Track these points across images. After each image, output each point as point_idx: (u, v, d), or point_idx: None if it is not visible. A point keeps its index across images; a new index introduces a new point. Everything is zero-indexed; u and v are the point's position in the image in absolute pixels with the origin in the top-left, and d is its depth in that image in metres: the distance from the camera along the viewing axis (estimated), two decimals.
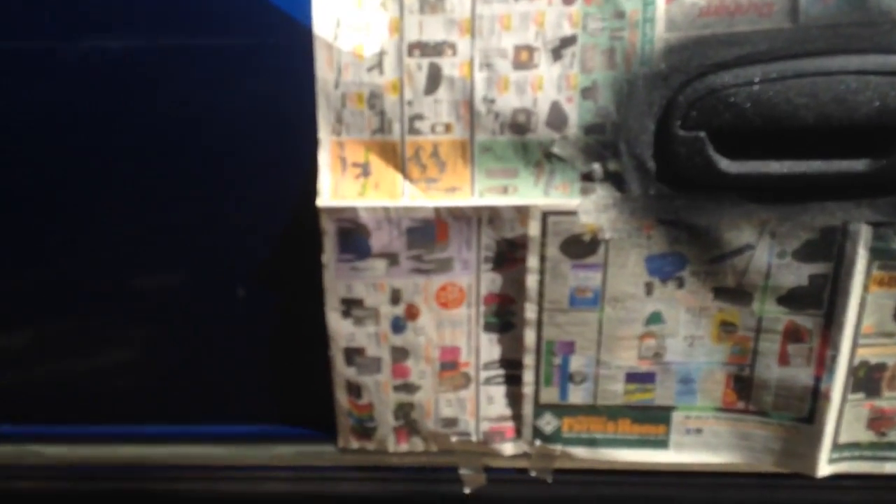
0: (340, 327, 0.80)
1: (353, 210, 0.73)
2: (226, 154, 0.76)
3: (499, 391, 0.83)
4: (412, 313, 0.79)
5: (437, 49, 0.69)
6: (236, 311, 0.82)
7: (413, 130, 0.71)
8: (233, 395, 0.87)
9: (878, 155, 0.67)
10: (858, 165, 0.67)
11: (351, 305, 0.79)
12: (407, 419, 0.85)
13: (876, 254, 0.70)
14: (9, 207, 0.79)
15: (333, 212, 0.73)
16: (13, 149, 0.76)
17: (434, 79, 0.70)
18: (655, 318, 0.78)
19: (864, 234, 0.70)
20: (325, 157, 0.73)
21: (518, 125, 0.70)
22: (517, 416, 0.84)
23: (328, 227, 0.74)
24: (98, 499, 0.94)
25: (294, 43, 0.70)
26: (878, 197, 0.69)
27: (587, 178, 0.72)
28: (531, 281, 0.76)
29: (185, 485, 0.92)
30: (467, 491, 0.88)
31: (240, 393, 0.87)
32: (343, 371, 0.82)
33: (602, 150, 0.70)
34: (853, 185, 0.68)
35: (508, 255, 0.76)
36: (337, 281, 0.77)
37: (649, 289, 0.76)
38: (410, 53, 0.69)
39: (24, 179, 0.77)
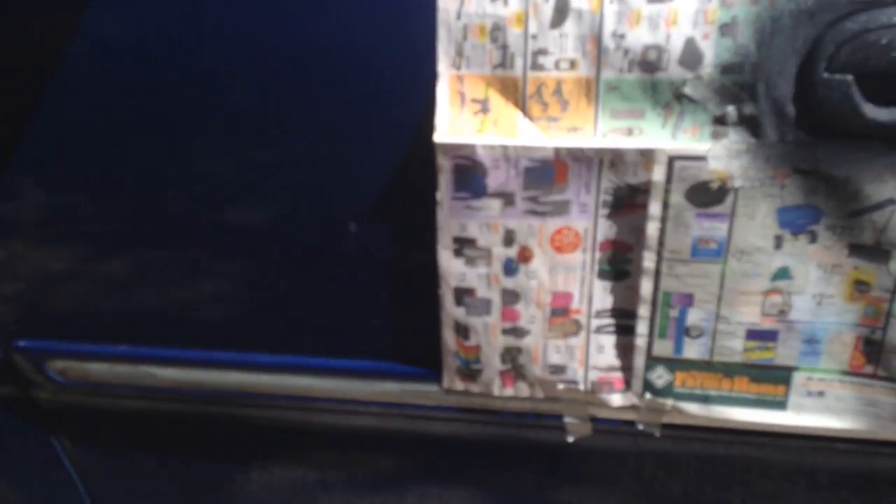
0: (451, 266, 0.85)
1: (471, 147, 0.77)
2: (343, 87, 0.80)
3: (610, 341, 0.87)
4: (525, 256, 0.83)
5: None
6: (349, 245, 0.87)
7: (536, 66, 0.74)
8: (341, 328, 0.94)
9: None
10: None
11: (463, 244, 0.83)
12: (514, 363, 0.89)
13: None
14: (125, 137, 0.88)
15: (450, 148, 0.77)
16: (125, 80, 0.85)
17: (561, 11, 0.72)
18: (783, 273, 0.78)
19: None
20: (443, 92, 0.76)
21: (648, 63, 0.72)
22: (627, 368, 0.87)
23: (444, 164, 0.78)
24: (206, 421, 1.04)
25: None
26: None
27: (720, 121, 0.73)
28: (652, 228, 0.78)
29: (289, 414, 1.00)
30: (571, 440, 0.92)
31: (348, 327, 0.93)
32: (452, 311, 0.87)
33: (738, 91, 0.71)
34: None
35: (629, 201, 0.79)
36: (450, 219, 0.81)
37: (779, 242, 0.77)
38: None
39: (139, 114, 0.86)
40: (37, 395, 1.04)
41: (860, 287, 0.77)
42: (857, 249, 0.75)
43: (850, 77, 0.67)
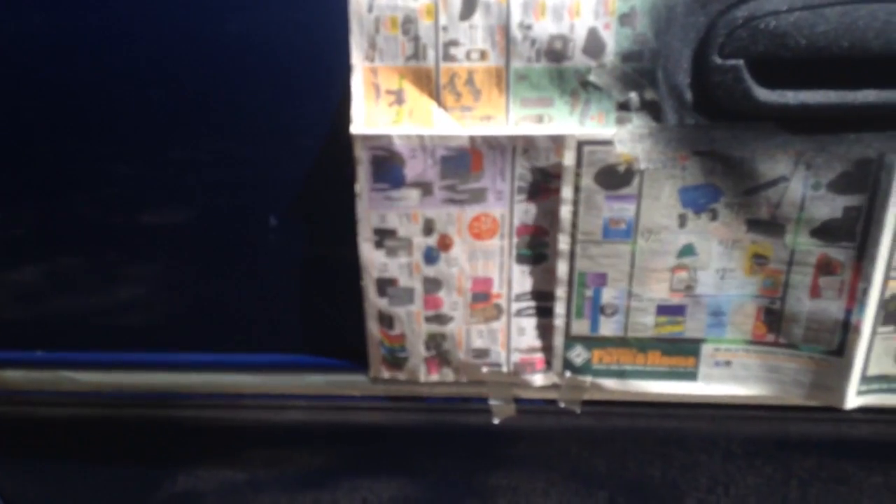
0: (373, 258, 0.86)
1: (388, 138, 0.79)
2: (257, 81, 0.81)
3: (530, 323, 0.90)
4: (445, 244, 0.86)
5: None
6: (269, 240, 0.88)
7: (448, 57, 0.77)
8: (264, 324, 0.94)
9: None
10: None
11: (384, 236, 0.85)
12: (438, 350, 0.92)
13: None
14: (32, 138, 0.86)
15: (367, 139, 0.79)
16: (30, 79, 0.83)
17: (470, 3, 0.74)
18: (688, 250, 0.84)
19: None
20: (358, 84, 0.78)
21: (554, 52, 0.75)
22: (548, 348, 0.91)
23: (362, 156, 0.80)
24: (129, 425, 1.03)
25: None
26: None
27: (623, 107, 0.77)
28: (565, 212, 0.82)
29: (215, 412, 1.00)
30: (496, 421, 0.96)
31: (271, 322, 0.94)
32: (375, 301, 0.89)
33: (639, 78, 0.75)
34: (890, 116, 0.73)
35: (542, 186, 0.82)
36: (370, 211, 0.83)
37: (683, 221, 0.82)
38: None
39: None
40: None
41: (759, 260, 0.83)
42: (754, 225, 0.81)
43: (741, 62, 0.73)
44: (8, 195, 0.89)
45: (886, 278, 0.80)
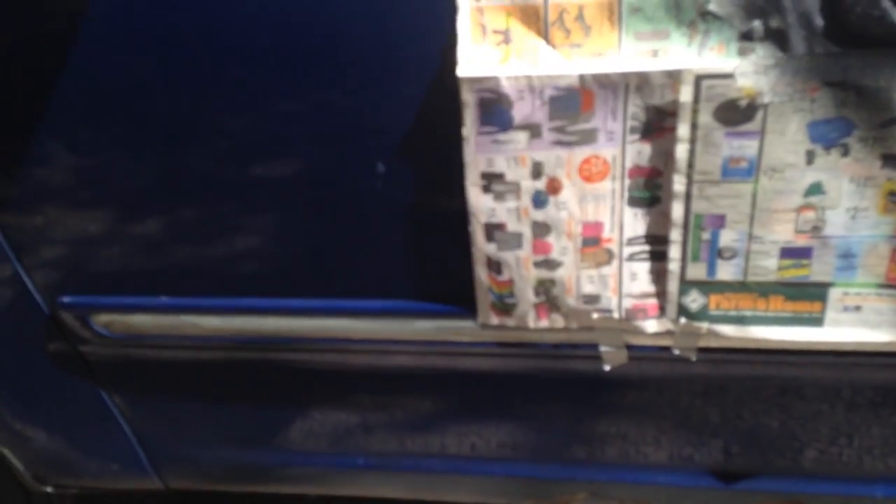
0: (481, 202, 0.88)
1: (495, 79, 0.79)
2: (362, 27, 0.83)
3: (643, 267, 0.90)
4: (554, 187, 0.86)
5: None
6: (378, 187, 0.91)
7: None
8: (374, 270, 0.98)
9: None
10: None
11: (491, 180, 0.86)
12: (548, 295, 0.93)
13: None
14: (151, 95, 0.92)
15: (474, 82, 0.80)
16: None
17: None
18: (816, 188, 0.81)
19: None
20: (464, 25, 0.78)
21: None
22: (661, 293, 0.90)
23: (468, 98, 0.81)
24: (247, 367, 1.10)
25: None
26: None
27: (746, 37, 0.74)
28: (681, 151, 0.81)
29: (327, 356, 1.05)
30: (607, 368, 0.97)
31: (381, 269, 0.98)
32: (483, 247, 0.91)
33: (764, 5, 0.72)
34: None
35: (656, 125, 0.81)
36: (477, 155, 0.84)
37: (810, 157, 0.79)
38: None
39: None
40: (84, 350, 1.10)
41: (894, 198, 0.79)
42: (889, 160, 0.77)
43: None
44: (125, 151, 0.95)
45: None
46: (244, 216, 0.97)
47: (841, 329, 0.87)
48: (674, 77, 0.77)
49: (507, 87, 0.80)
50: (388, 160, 0.90)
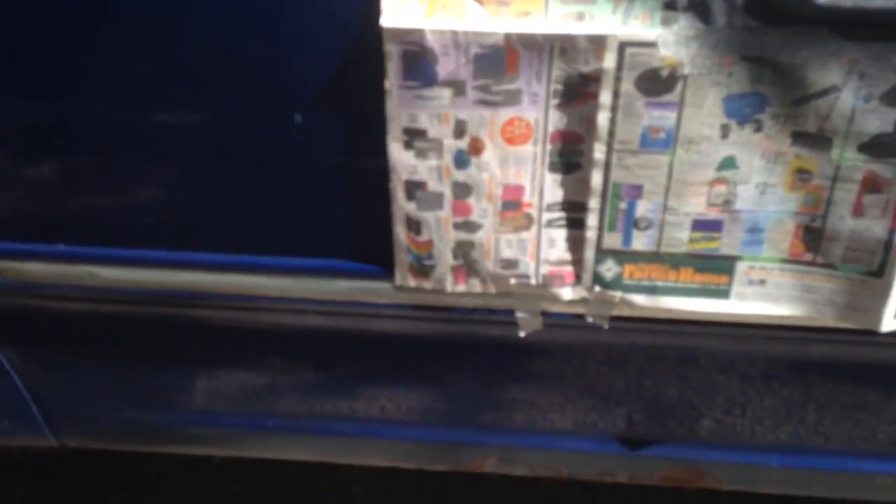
0: (402, 159, 0.87)
1: (420, 31, 0.78)
2: None
3: (561, 234, 0.91)
4: (476, 148, 0.86)
5: None
6: (296, 140, 0.89)
7: None
8: (289, 226, 0.96)
9: None
10: None
11: (414, 136, 0.86)
12: (466, 259, 0.93)
13: None
14: (48, 35, 0.87)
15: (398, 33, 0.79)
16: None
17: None
18: (729, 162, 0.83)
19: None
20: None
21: None
22: (578, 261, 0.92)
23: (392, 51, 0.80)
24: (150, 322, 1.07)
25: None
26: None
27: (670, 6, 0.76)
28: (602, 118, 0.82)
29: (236, 314, 1.03)
30: (523, 334, 0.98)
31: (295, 225, 0.96)
32: (403, 205, 0.90)
33: None
34: None
35: (580, 90, 0.82)
36: (400, 109, 0.84)
37: (725, 131, 0.82)
38: None
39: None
40: None
41: (802, 175, 0.83)
42: (800, 138, 0.81)
43: None
44: (20, 94, 0.90)
45: None
46: (150, 163, 0.94)
47: (746, 302, 0.91)
48: (598, 42, 0.78)
49: (432, 40, 0.79)
50: (306, 111, 0.88)
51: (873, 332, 0.88)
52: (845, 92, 0.77)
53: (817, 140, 0.80)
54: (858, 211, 0.83)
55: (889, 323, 0.87)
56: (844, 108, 0.78)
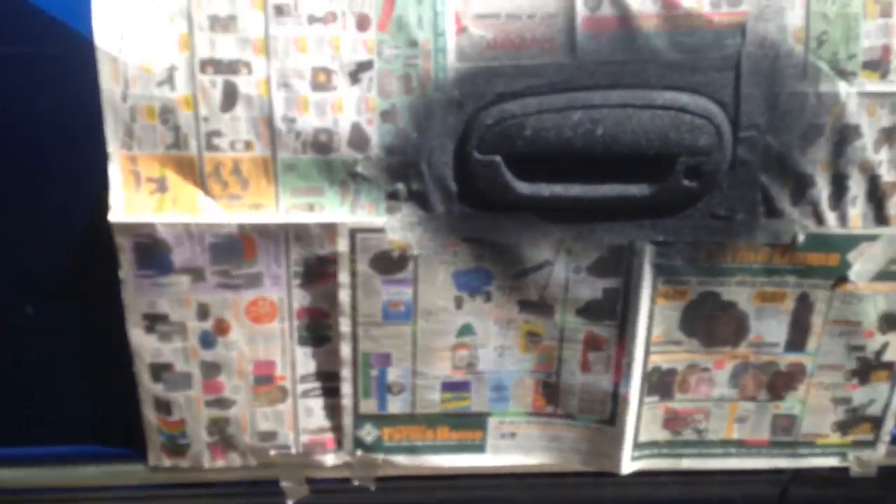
0: (145, 343, 0.86)
1: (151, 226, 0.79)
2: (13, 167, 0.80)
3: (317, 403, 0.93)
4: (222, 328, 0.87)
5: (231, 67, 0.76)
6: (33, 328, 0.87)
7: (211, 147, 0.78)
8: (36, 416, 0.92)
9: (655, 180, 0.80)
10: (639, 189, 0.80)
11: (155, 321, 0.85)
12: (222, 434, 0.93)
13: (660, 269, 0.84)
14: None
15: (128, 228, 0.79)
16: None
17: (230, 96, 0.77)
18: (466, 329, 0.89)
19: (649, 251, 0.83)
20: (115, 172, 0.78)
21: (321, 144, 0.79)
22: (337, 428, 0.94)
23: (123, 243, 0.80)
24: None
25: (77, 53, 0.75)
26: (658, 218, 0.82)
27: (393, 196, 0.81)
28: (343, 296, 0.86)
29: None
30: (290, 503, 0.99)
31: (39, 413, 0.92)
32: (150, 387, 0.89)
33: (405, 170, 0.80)
34: (636, 207, 0.81)
35: (320, 270, 0.85)
36: (137, 297, 0.83)
37: (459, 302, 0.87)
38: (203, 70, 0.76)
39: None
40: None
41: (532, 338, 0.90)
42: (525, 305, 0.88)
43: (498, 157, 0.79)
44: None
45: (647, 353, 0.89)
46: None
47: (500, 455, 0.96)
48: (329, 229, 0.82)
49: (163, 233, 0.80)
50: (47, 301, 0.86)
51: (615, 475, 0.95)
52: (557, 265, 0.85)
53: (541, 307, 0.88)
54: (585, 367, 0.90)
55: (627, 465, 0.95)
56: (559, 279, 0.86)
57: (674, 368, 0.91)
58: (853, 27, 0.78)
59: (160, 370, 0.88)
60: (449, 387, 0.92)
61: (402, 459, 0.96)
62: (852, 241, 0.84)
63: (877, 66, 0.78)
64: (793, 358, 0.90)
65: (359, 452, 0.95)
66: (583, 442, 0.95)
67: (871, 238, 0.83)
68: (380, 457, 0.95)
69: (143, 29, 0.74)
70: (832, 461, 0.97)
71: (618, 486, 0.98)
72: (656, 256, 0.84)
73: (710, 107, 0.78)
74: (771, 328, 0.88)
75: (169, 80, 0.76)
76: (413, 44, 0.76)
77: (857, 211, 0.83)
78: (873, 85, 0.79)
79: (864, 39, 0.78)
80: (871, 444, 0.96)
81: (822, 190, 0.82)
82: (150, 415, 0.90)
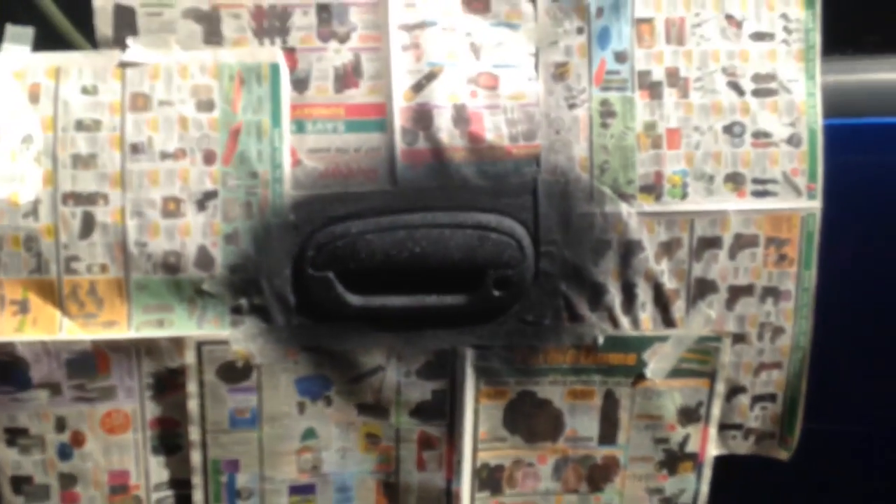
0: (6, 456, 0.92)
1: (11, 344, 0.88)
2: None
3: None
4: (78, 440, 0.93)
5: (90, 199, 0.87)
6: None
7: (70, 270, 0.88)
8: None
9: (469, 291, 0.93)
10: (456, 300, 0.93)
11: (15, 434, 0.92)
12: None
13: (481, 371, 0.96)
14: None
15: None
16: None
17: (88, 224, 0.88)
18: (310, 433, 0.97)
19: (470, 355, 0.95)
20: None
21: (170, 266, 0.89)
22: None
23: None
24: None
25: None
26: (475, 325, 0.94)
27: (236, 311, 0.92)
28: (192, 405, 0.94)
29: None
30: None
31: None
32: (12, 500, 0.94)
33: (247, 287, 0.91)
34: (455, 315, 0.93)
35: (170, 382, 0.93)
36: None
37: (301, 407, 0.96)
38: (65, 202, 0.87)
39: None
40: None
41: (372, 439, 0.99)
42: (363, 408, 0.97)
43: (330, 274, 0.91)
44: None
45: (475, 450, 0.99)
46: None
47: None
48: (178, 343, 0.91)
49: (22, 351, 0.88)
50: None
51: None
52: (390, 370, 0.95)
53: (377, 409, 0.97)
54: (421, 465, 0.99)
55: None
56: (392, 383, 0.96)
57: (501, 465, 1.00)
58: (629, 157, 0.94)
59: (20, 483, 0.94)
60: (296, 490, 0.99)
61: None
62: (646, 343, 0.97)
63: (651, 189, 0.94)
64: (606, 451, 1.01)
65: None
66: None
67: (662, 339, 0.97)
68: None
69: (10, 166, 0.86)
70: None
71: None
72: (477, 359, 0.96)
73: (514, 226, 0.93)
74: (584, 423, 1.00)
75: (33, 212, 0.87)
76: (254, 175, 0.89)
77: (647, 315, 0.97)
78: (650, 206, 0.94)
79: (640, 167, 0.94)
80: None
81: (615, 297, 0.95)
82: None
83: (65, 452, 0.94)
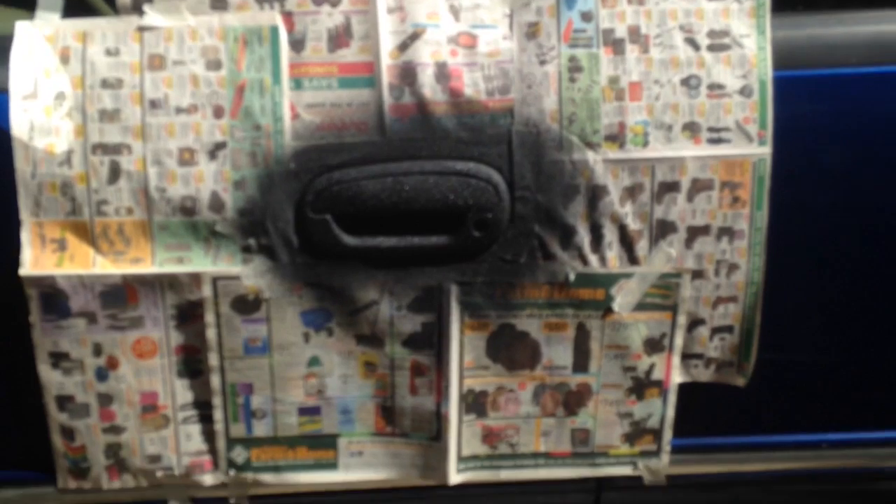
0: (51, 377, 1.05)
1: (52, 278, 1.00)
2: None
3: (195, 429, 1.10)
4: (113, 363, 1.05)
5: (115, 149, 0.99)
6: None
7: (100, 213, 1.00)
8: None
9: (452, 232, 1.02)
10: (440, 240, 1.02)
11: (59, 358, 1.04)
12: (116, 458, 1.10)
13: (465, 306, 1.05)
14: None
15: (34, 280, 1.00)
16: None
17: (115, 172, 0.99)
18: (314, 361, 1.08)
19: (454, 291, 1.04)
20: (26, 236, 0.99)
21: (186, 209, 1.00)
22: (213, 450, 1.11)
23: (32, 293, 1.00)
24: None
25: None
26: (458, 263, 1.03)
27: (246, 250, 1.02)
28: (210, 334, 1.05)
29: None
30: None
31: None
32: (56, 417, 1.07)
33: (254, 228, 1.01)
34: (440, 254, 1.03)
35: (191, 313, 1.05)
36: (44, 338, 1.03)
37: (307, 337, 1.07)
38: (94, 152, 0.98)
39: None
40: None
41: (369, 367, 1.09)
42: (361, 339, 1.08)
43: (328, 216, 1.00)
44: None
45: (461, 377, 1.08)
46: None
47: (350, 471, 1.13)
48: (196, 278, 1.02)
49: (62, 284, 1.00)
50: None
51: (447, 487, 1.12)
52: (383, 304, 1.05)
53: (373, 340, 1.07)
54: (413, 391, 1.09)
55: (454, 477, 1.12)
56: (385, 316, 1.06)
57: (485, 390, 1.10)
58: (595, 109, 1.01)
59: (64, 401, 1.06)
60: (304, 411, 1.10)
61: (268, 478, 1.12)
62: (613, 279, 1.05)
63: (615, 138, 1.01)
64: (580, 378, 1.09)
65: (231, 472, 1.12)
66: (418, 457, 1.12)
67: (628, 276, 1.05)
68: (250, 476, 1.12)
69: (47, 121, 0.97)
70: (626, 470, 1.15)
71: (451, 498, 1.14)
72: (461, 295, 1.05)
73: (491, 172, 1.01)
74: (559, 353, 1.08)
75: (67, 161, 0.98)
76: (258, 128, 0.99)
77: (614, 253, 1.04)
78: (614, 153, 1.02)
79: (605, 118, 1.01)
80: (656, 454, 1.14)
81: (584, 237, 1.03)
82: (57, 441, 1.08)
83: (101, 374, 1.05)
